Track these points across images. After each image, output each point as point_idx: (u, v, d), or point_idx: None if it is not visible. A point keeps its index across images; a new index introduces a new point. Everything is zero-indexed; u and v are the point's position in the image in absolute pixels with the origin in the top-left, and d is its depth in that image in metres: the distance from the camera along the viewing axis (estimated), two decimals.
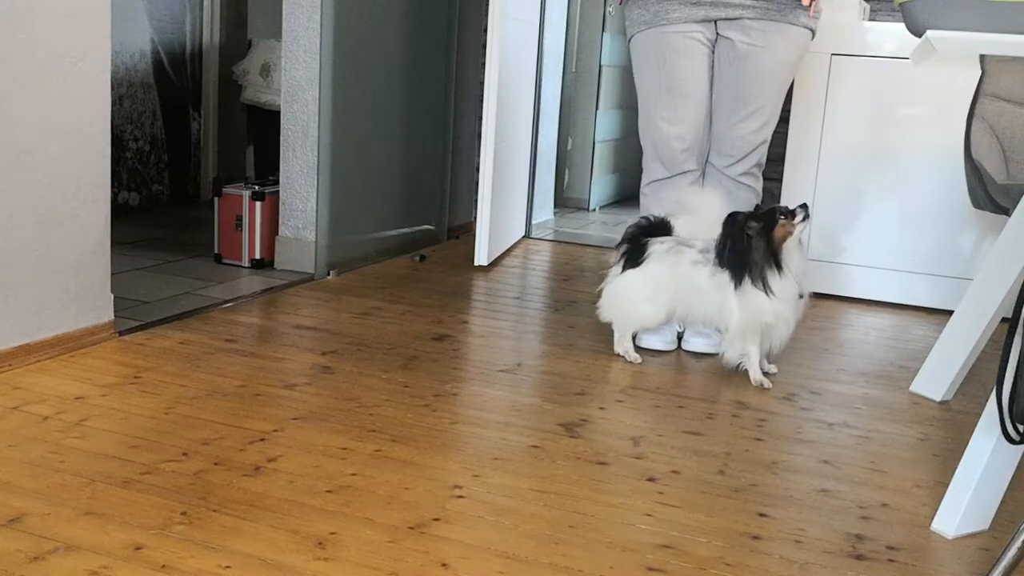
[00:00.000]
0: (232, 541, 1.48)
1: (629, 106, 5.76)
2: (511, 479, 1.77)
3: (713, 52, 2.62)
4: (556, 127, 4.86)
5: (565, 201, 5.38)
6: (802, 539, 1.61)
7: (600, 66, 5.31)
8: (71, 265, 2.33)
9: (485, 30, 3.89)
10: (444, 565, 1.45)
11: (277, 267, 3.47)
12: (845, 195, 3.42)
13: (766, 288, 2.36)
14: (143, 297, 2.94)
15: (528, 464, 1.85)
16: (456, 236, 4.34)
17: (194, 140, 4.72)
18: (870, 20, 3.63)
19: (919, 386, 2.46)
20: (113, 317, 2.48)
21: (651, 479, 1.82)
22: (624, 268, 2.55)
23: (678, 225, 2.56)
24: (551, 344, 2.70)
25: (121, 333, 2.52)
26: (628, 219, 2.68)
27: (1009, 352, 1.46)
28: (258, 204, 3.44)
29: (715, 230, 2.44)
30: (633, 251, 2.54)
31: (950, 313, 2.53)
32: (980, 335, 2.27)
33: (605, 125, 5.49)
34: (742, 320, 2.40)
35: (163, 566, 1.39)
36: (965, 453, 1.67)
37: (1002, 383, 1.48)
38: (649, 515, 1.66)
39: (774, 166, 3.48)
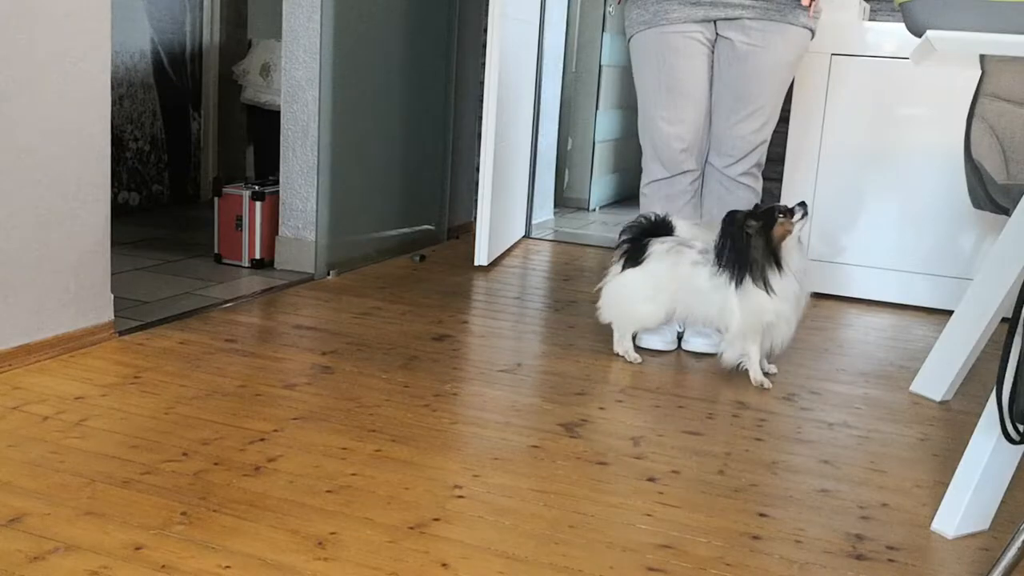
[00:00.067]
0: (232, 541, 1.48)
1: (629, 106, 5.76)
2: (511, 479, 1.77)
3: (713, 52, 2.62)
4: (556, 127, 4.86)
5: (565, 201, 5.38)
6: (802, 539, 1.61)
7: (600, 66, 5.31)
8: (71, 265, 2.33)
9: (485, 30, 3.89)
10: (444, 565, 1.45)
11: (277, 267, 3.47)
12: (845, 195, 3.42)
13: (767, 287, 2.36)
14: (143, 297, 2.94)
15: (528, 464, 1.85)
16: (456, 236, 4.34)
17: (194, 140, 4.72)
18: (870, 20, 3.63)
19: (919, 386, 2.46)
20: (113, 317, 2.48)
21: (651, 479, 1.82)
22: (624, 267, 2.55)
23: (679, 225, 2.56)
24: (551, 344, 2.70)
25: (121, 333, 2.52)
26: (628, 219, 2.67)
27: (1009, 352, 1.46)
28: (258, 204, 3.44)
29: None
30: (633, 250, 2.54)
31: (950, 313, 2.53)
32: (980, 335, 2.27)
33: (605, 125, 5.49)
34: (743, 320, 2.40)
35: (163, 566, 1.39)
36: (965, 453, 1.67)
37: (1002, 383, 1.48)
38: (649, 515, 1.66)
39: (774, 166, 3.48)
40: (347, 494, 1.66)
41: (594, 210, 5.43)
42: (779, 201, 3.47)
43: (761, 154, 2.67)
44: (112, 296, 2.48)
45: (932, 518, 1.71)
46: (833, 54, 3.34)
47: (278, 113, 3.64)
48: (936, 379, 2.41)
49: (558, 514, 1.64)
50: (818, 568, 1.52)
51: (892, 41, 3.30)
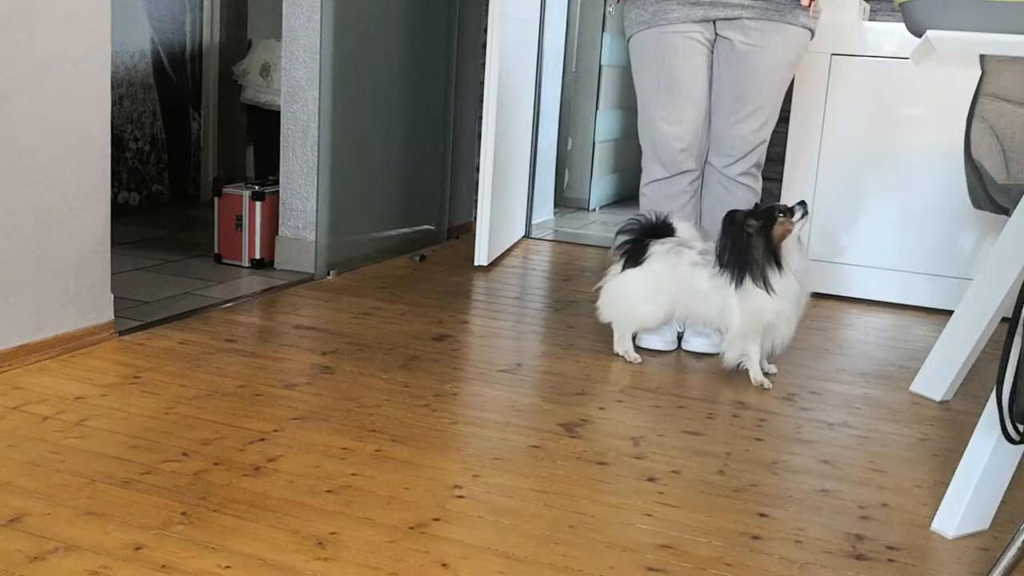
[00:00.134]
0: (232, 541, 1.48)
1: (629, 106, 5.76)
2: (511, 479, 1.77)
3: (712, 52, 2.62)
4: (556, 127, 4.86)
5: (565, 201, 5.38)
6: (802, 539, 1.61)
7: (600, 66, 5.31)
8: (71, 265, 2.33)
9: (485, 30, 3.89)
10: (444, 565, 1.45)
11: (277, 267, 3.47)
12: (845, 195, 3.42)
13: (767, 286, 2.36)
14: (143, 297, 2.94)
15: (528, 464, 1.85)
16: (456, 236, 4.34)
17: (194, 140, 4.72)
18: (870, 20, 3.63)
19: (919, 386, 2.46)
20: (113, 317, 2.48)
21: (651, 479, 1.82)
22: (624, 267, 2.55)
23: (678, 226, 2.56)
24: (551, 344, 2.70)
25: (121, 333, 2.52)
26: (626, 218, 2.67)
27: (1009, 352, 1.46)
28: (258, 204, 3.44)
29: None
30: (633, 251, 2.54)
31: (950, 313, 2.53)
32: (980, 335, 2.27)
33: (605, 125, 5.49)
34: (743, 320, 2.40)
35: (163, 566, 1.39)
36: (965, 453, 1.67)
37: (1002, 383, 1.48)
38: (649, 515, 1.66)
39: (774, 166, 3.48)
40: (347, 494, 1.66)
41: (594, 210, 5.43)
42: (779, 201, 3.47)
43: (760, 154, 2.67)
44: (112, 296, 2.48)
45: (932, 518, 1.71)
46: (833, 54, 3.34)
47: (278, 113, 3.64)
48: (936, 379, 2.41)
49: (558, 514, 1.64)
50: (818, 568, 1.52)
51: (892, 41, 3.30)
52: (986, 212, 2.62)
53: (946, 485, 1.72)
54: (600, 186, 5.53)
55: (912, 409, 2.34)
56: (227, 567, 1.40)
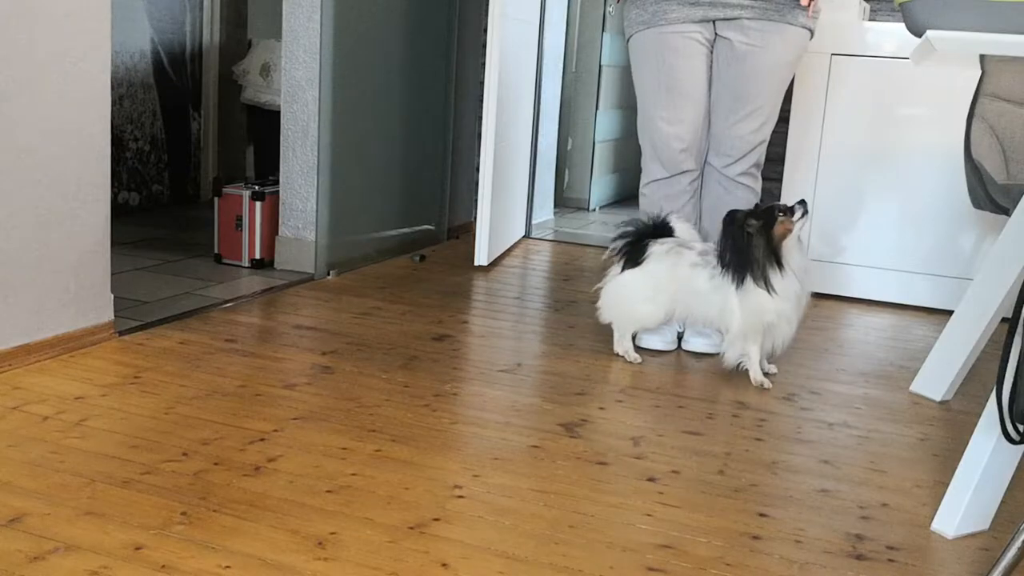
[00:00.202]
0: (232, 541, 1.48)
1: (629, 106, 5.76)
2: (511, 479, 1.77)
3: (712, 52, 2.62)
4: (556, 127, 4.86)
5: (565, 201, 5.38)
6: (802, 539, 1.61)
7: (600, 66, 5.31)
8: (71, 265, 2.33)
9: (485, 30, 3.89)
10: (444, 565, 1.45)
11: (277, 267, 3.47)
12: (845, 195, 3.42)
13: (768, 286, 2.36)
14: (143, 297, 2.94)
15: (528, 464, 1.85)
16: (456, 236, 4.34)
17: (194, 140, 4.72)
18: (870, 20, 3.63)
19: (919, 386, 2.46)
20: (113, 317, 2.48)
21: (651, 479, 1.82)
22: (624, 268, 2.55)
23: (677, 227, 2.56)
24: (551, 344, 2.70)
25: (121, 333, 2.52)
26: (627, 219, 2.67)
27: (1009, 352, 1.46)
28: (258, 204, 3.44)
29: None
30: (633, 251, 2.54)
31: (950, 313, 2.53)
32: (980, 335, 2.27)
33: (605, 125, 5.49)
34: (744, 321, 2.40)
35: (163, 566, 1.39)
36: (965, 453, 1.67)
37: (1002, 383, 1.48)
38: (649, 515, 1.66)
39: (774, 166, 3.48)
40: (347, 494, 1.66)
41: (594, 210, 5.43)
42: (779, 201, 3.47)
43: (760, 154, 2.67)
44: (112, 296, 2.48)
45: (932, 518, 1.71)
46: (833, 54, 3.34)
47: (278, 113, 3.64)
48: (936, 379, 2.41)
49: (558, 514, 1.64)
50: (818, 568, 1.52)
51: (892, 41, 3.30)
52: (986, 212, 2.62)
53: (946, 485, 1.72)
54: (600, 186, 5.53)
55: (912, 409, 2.34)
56: (227, 567, 1.40)
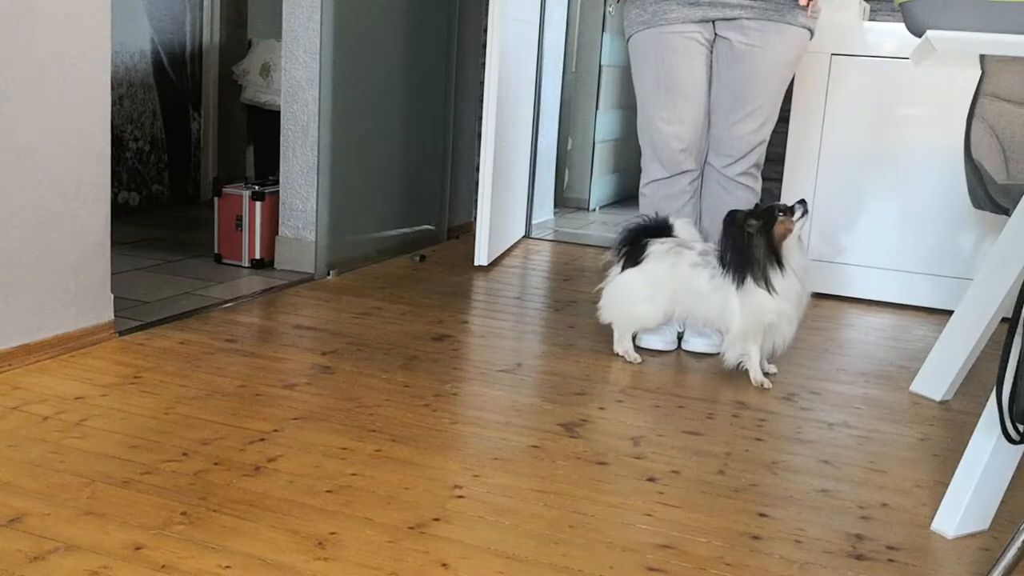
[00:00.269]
0: (232, 541, 1.48)
1: (629, 106, 5.76)
2: (511, 479, 1.77)
3: (711, 52, 2.62)
4: (556, 127, 4.86)
5: (565, 201, 5.38)
6: (802, 539, 1.61)
7: (600, 66, 5.31)
8: (71, 265, 2.33)
9: (485, 30, 3.89)
10: (444, 565, 1.45)
11: (277, 267, 3.47)
12: (845, 195, 3.42)
13: (769, 286, 2.36)
14: (143, 297, 2.94)
15: (528, 464, 1.85)
16: (456, 236, 4.34)
17: (194, 140, 4.72)
18: (870, 20, 3.63)
19: (919, 386, 2.46)
20: (113, 317, 2.48)
21: (651, 479, 1.82)
22: (624, 268, 2.55)
23: (678, 228, 2.56)
24: (551, 344, 2.70)
25: (121, 333, 2.52)
26: (628, 219, 2.68)
27: (1009, 352, 1.46)
28: (258, 204, 3.44)
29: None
30: (633, 251, 2.54)
31: (950, 313, 2.53)
32: (980, 335, 2.27)
33: (605, 125, 5.49)
34: (744, 321, 2.40)
35: (163, 566, 1.39)
36: (965, 453, 1.67)
37: (1002, 383, 1.48)
38: (649, 515, 1.66)
39: (774, 166, 3.48)
40: (347, 494, 1.66)
41: (594, 210, 5.43)
42: (779, 201, 3.47)
43: (760, 154, 2.67)
44: (112, 296, 2.48)
45: (932, 518, 1.71)
46: (833, 54, 3.34)
47: (278, 113, 3.64)
48: (936, 379, 2.41)
49: (558, 514, 1.64)
50: (818, 568, 1.52)
51: (892, 41, 3.30)
52: (986, 212, 2.62)
53: (946, 485, 1.72)
54: (600, 186, 5.53)
55: (912, 409, 2.34)
56: (227, 567, 1.40)
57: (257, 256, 3.46)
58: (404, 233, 3.91)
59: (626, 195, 5.92)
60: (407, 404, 2.14)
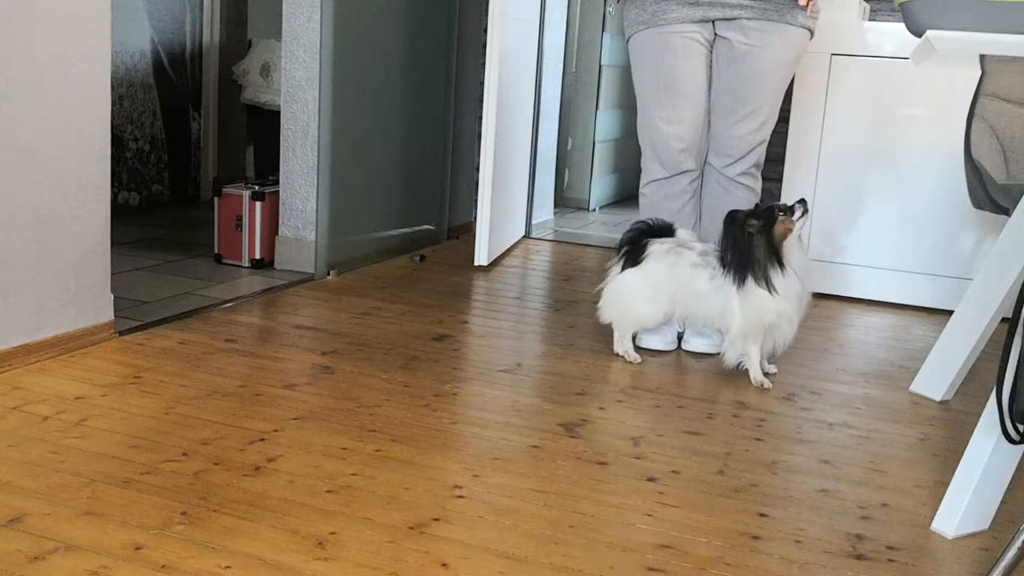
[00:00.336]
0: (232, 541, 1.48)
1: (629, 106, 5.76)
2: (511, 479, 1.77)
3: (711, 52, 2.62)
4: (556, 127, 4.86)
5: (565, 201, 5.38)
6: (802, 539, 1.61)
7: (600, 66, 5.31)
8: (71, 265, 2.33)
9: (485, 30, 3.89)
10: (444, 565, 1.45)
11: (277, 267, 3.47)
12: (845, 195, 3.42)
13: (769, 286, 2.36)
14: (143, 297, 2.94)
15: (528, 464, 1.85)
16: (456, 236, 4.34)
17: (194, 140, 4.72)
18: (870, 20, 3.63)
19: (919, 386, 2.46)
20: (113, 317, 2.48)
21: (651, 479, 1.82)
22: (624, 268, 2.55)
23: (679, 231, 2.56)
24: (551, 344, 2.70)
25: (121, 333, 2.52)
26: (628, 219, 2.68)
27: (1009, 352, 1.46)
28: (258, 204, 3.44)
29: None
30: (633, 251, 2.54)
31: (950, 313, 2.53)
32: (980, 335, 2.27)
33: (605, 125, 5.49)
34: (745, 321, 2.40)
35: (163, 566, 1.39)
36: (965, 453, 1.67)
37: (1002, 383, 1.48)
38: (649, 515, 1.66)
39: (774, 166, 3.48)
40: (347, 494, 1.66)
41: (594, 210, 5.43)
42: (779, 201, 3.47)
43: (760, 154, 2.67)
44: (112, 296, 2.48)
45: (932, 518, 1.71)
46: (833, 54, 3.34)
47: (278, 113, 3.64)
48: (936, 379, 2.41)
49: (558, 514, 1.64)
50: (818, 568, 1.52)
51: (892, 41, 3.30)
52: (986, 212, 2.62)
53: (946, 485, 1.72)
54: (600, 186, 5.53)
55: (912, 409, 2.34)
56: (227, 567, 1.40)
57: (257, 256, 3.46)
58: (404, 233, 3.91)
59: (626, 195, 5.92)
60: (407, 404, 2.14)
